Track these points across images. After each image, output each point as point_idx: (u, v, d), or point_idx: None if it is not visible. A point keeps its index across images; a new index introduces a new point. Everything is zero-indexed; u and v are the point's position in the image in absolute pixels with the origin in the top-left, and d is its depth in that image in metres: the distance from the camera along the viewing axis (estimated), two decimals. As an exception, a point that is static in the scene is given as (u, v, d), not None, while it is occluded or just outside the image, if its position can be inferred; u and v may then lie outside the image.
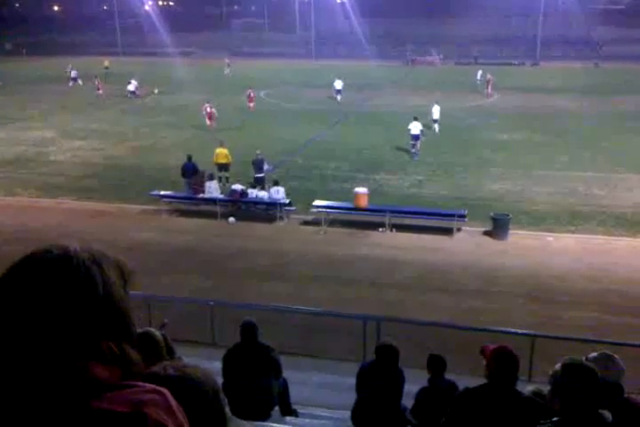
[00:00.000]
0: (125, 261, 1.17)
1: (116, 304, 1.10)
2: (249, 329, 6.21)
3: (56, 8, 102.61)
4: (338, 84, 36.54)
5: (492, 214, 15.89)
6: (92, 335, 1.06)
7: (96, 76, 39.56)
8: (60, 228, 16.10)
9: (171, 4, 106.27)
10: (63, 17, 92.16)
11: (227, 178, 19.55)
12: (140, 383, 1.08)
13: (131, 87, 37.83)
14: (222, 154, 19.62)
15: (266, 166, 18.89)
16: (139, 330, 5.33)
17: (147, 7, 78.69)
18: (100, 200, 18.90)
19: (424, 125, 24.09)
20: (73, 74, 44.02)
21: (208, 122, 27.56)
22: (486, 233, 15.84)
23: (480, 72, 41.29)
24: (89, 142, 26.39)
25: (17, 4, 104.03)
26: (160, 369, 1.33)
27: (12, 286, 1.05)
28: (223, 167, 19.74)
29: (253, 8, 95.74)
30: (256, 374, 6.08)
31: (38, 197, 19.44)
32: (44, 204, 18.76)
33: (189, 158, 18.46)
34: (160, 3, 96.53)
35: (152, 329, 5.11)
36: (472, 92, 38.84)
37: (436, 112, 26.46)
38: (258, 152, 19.09)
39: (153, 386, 1.08)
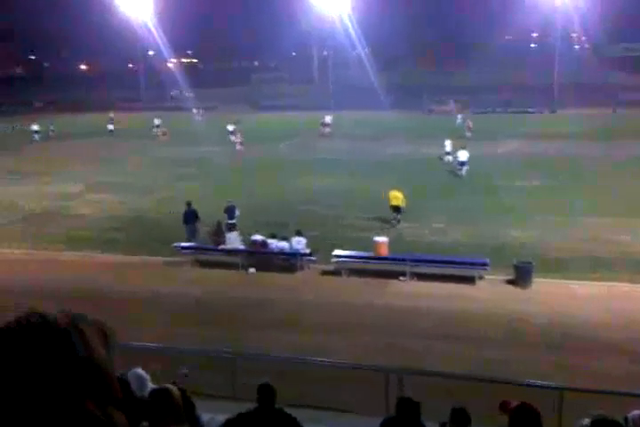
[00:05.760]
0: (105, 322, 1.19)
1: (98, 367, 1.11)
2: (266, 393, 5.77)
3: (83, 67, 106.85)
4: (328, 119, 45.56)
5: (514, 262, 15.74)
6: (75, 400, 1.07)
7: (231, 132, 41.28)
8: (83, 281, 16.27)
9: (194, 60, 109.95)
10: (90, 75, 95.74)
11: (398, 220, 20.56)
12: None
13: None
14: (394, 196, 20.44)
15: (237, 213, 19.60)
16: (157, 386, 5.32)
17: (170, 64, 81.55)
18: (124, 253, 19.13)
19: (451, 172, 25.62)
20: (157, 121, 47.40)
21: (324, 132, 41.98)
22: (509, 281, 15.63)
23: (460, 116, 47.54)
24: (114, 195, 26.93)
25: (46, 64, 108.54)
26: None
27: None
28: (396, 209, 20.42)
29: (274, 64, 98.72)
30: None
31: (63, 250, 19.74)
32: (68, 257, 19.02)
33: (189, 205, 19.02)
34: (184, 60, 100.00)
35: (170, 386, 5.07)
36: (487, 139, 39.07)
37: (462, 155, 28.61)
38: (229, 200, 20.06)
39: None
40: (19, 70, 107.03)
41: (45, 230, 21.93)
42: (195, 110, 60.01)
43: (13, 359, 1.06)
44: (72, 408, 1.06)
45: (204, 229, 19.56)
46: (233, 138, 39.91)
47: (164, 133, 45.20)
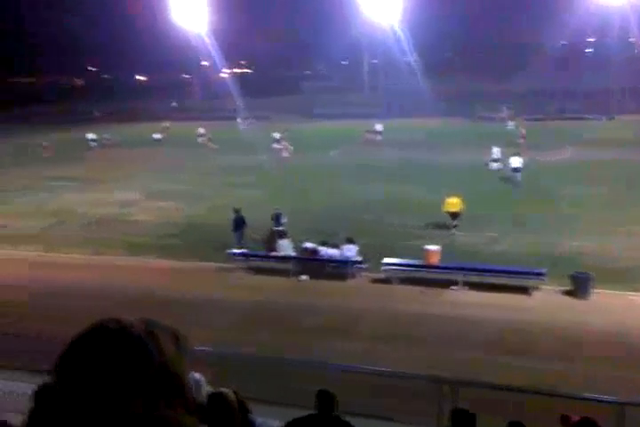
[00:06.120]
0: (178, 329, 1.25)
1: (172, 372, 1.15)
2: (325, 399, 5.75)
3: (142, 78, 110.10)
4: (378, 127, 44.63)
5: (572, 273, 15.29)
6: (149, 405, 1.11)
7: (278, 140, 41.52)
8: (140, 285, 16.71)
9: (247, 70, 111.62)
10: (147, 86, 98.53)
11: (455, 226, 20.70)
12: None
13: None
14: (452, 202, 20.59)
15: (284, 220, 19.84)
16: (213, 390, 5.39)
17: (223, 75, 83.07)
18: (179, 259, 19.54)
19: (502, 179, 26.17)
20: (201, 130, 48.18)
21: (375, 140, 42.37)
22: (567, 292, 15.21)
23: (511, 122, 48.49)
24: (170, 202, 27.54)
25: (105, 76, 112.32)
26: None
27: (74, 361, 1.13)
28: (454, 216, 20.61)
29: (325, 72, 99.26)
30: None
31: (122, 255, 20.32)
32: (127, 262, 19.57)
33: (237, 212, 19.30)
34: (237, 70, 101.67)
35: (225, 390, 5.15)
36: (542, 146, 38.20)
37: (515, 162, 28.06)
38: (276, 207, 20.49)
39: None
40: (79, 81, 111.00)
41: (105, 236, 22.61)
42: (239, 120, 60.89)
43: (91, 365, 1.11)
44: (146, 413, 1.10)
45: (252, 235, 19.70)
46: (278, 146, 40.24)
47: (210, 140, 45.98)
